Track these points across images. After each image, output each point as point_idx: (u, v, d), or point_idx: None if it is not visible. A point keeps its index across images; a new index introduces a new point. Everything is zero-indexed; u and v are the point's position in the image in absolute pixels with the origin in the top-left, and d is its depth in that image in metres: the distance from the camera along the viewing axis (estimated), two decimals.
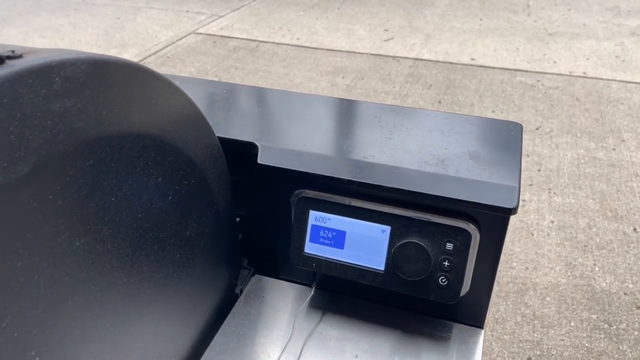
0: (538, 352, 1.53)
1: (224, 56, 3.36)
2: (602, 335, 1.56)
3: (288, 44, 3.54)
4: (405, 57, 3.30)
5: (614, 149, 2.36)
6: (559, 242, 1.89)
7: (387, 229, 0.56)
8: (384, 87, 2.91)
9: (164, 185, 0.47)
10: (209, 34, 3.73)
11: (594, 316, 1.61)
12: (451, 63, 3.21)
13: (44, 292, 0.35)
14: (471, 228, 0.54)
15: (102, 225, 0.40)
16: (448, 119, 0.66)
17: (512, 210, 0.50)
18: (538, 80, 2.96)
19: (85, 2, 4.46)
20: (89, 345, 0.40)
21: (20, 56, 0.33)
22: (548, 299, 1.69)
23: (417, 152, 0.59)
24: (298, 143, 0.61)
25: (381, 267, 0.57)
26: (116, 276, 0.42)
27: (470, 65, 3.18)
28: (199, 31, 3.79)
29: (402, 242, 0.55)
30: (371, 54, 3.36)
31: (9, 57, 0.32)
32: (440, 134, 0.62)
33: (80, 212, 0.37)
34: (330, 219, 0.58)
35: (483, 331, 0.60)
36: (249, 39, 3.63)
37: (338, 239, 0.58)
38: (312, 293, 0.63)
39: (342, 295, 0.66)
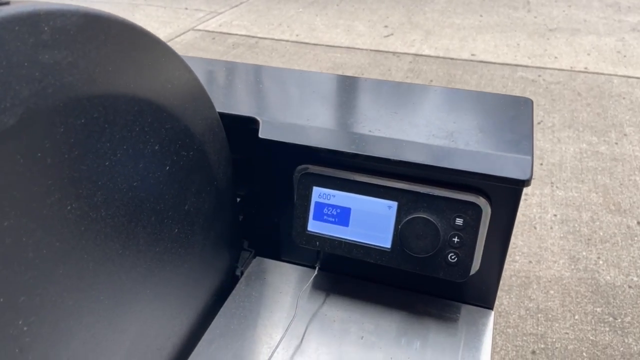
0: (542, 346, 1.51)
1: (223, 52, 3.34)
2: (607, 329, 1.54)
3: (287, 40, 3.52)
4: (405, 53, 3.28)
5: (616, 143, 2.34)
6: (562, 235, 1.87)
7: (394, 204, 0.54)
8: None
9: (161, 155, 0.44)
10: (208, 31, 3.71)
11: (598, 309, 1.59)
12: (452, 59, 3.19)
13: (32, 256, 0.33)
14: (482, 202, 0.52)
15: (95, 190, 0.37)
16: (456, 94, 0.64)
17: (526, 182, 0.48)
18: (539, 76, 2.94)
19: None
20: (82, 318, 0.38)
21: (7, 3, 0.31)
22: (552, 292, 1.67)
23: (424, 125, 0.57)
24: (301, 118, 0.59)
25: (388, 244, 0.55)
26: (111, 246, 0.40)
27: (471, 60, 3.17)
28: (197, 28, 3.77)
29: (409, 217, 0.53)
30: (371, 50, 3.34)
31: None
32: (449, 109, 0.60)
33: (72, 174, 0.35)
34: (334, 196, 0.56)
35: (493, 312, 0.58)
36: (248, 36, 3.61)
37: (343, 216, 0.56)
38: (316, 273, 0.60)
39: (346, 276, 0.63)
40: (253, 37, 3.58)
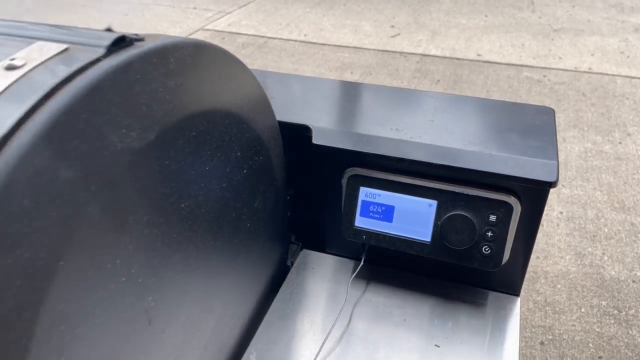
0: (550, 337, 1.58)
1: (233, 52, 3.39)
2: (612, 321, 1.61)
3: (296, 40, 3.58)
4: (412, 53, 3.34)
5: (620, 143, 2.40)
6: (568, 232, 1.94)
7: (434, 203, 0.61)
8: (392, 83, 2.96)
9: (241, 160, 0.51)
10: (217, 31, 3.77)
11: (603, 303, 1.66)
12: (458, 59, 3.25)
13: (160, 245, 0.40)
14: (513, 201, 0.59)
15: (199, 190, 0.45)
16: (484, 104, 0.71)
17: (553, 184, 0.55)
18: (544, 76, 3.01)
19: None
20: (187, 296, 0.45)
21: (142, 39, 0.38)
22: (559, 286, 1.74)
23: (459, 133, 0.64)
24: (348, 125, 0.66)
25: (428, 238, 0.62)
26: (207, 237, 0.47)
27: (477, 60, 3.23)
28: (206, 27, 3.83)
29: (449, 214, 0.60)
30: (378, 50, 3.40)
31: (136, 40, 0.37)
32: (479, 118, 0.67)
33: (186, 178, 0.42)
34: (379, 195, 0.64)
35: (519, 299, 0.65)
36: (257, 35, 3.67)
37: (387, 213, 0.63)
38: (362, 264, 0.68)
39: (387, 267, 0.71)
40: (262, 36, 3.64)
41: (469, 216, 0.59)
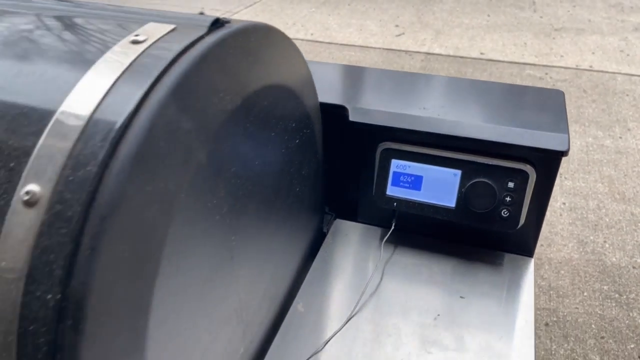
0: (554, 319, 1.65)
1: None
2: (614, 304, 1.68)
3: (303, 39, 3.65)
4: (417, 52, 3.41)
5: (620, 137, 2.48)
6: (570, 221, 2.01)
7: (458, 172, 0.69)
8: None
9: (295, 131, 0.59)
10: None
11: (605, 287, 1.73)
12: (461, 57, 3.33)
13: (241, 194, 0.47)
14: (529, 169, 0.67)
15: (267, 153, 0.53)
16: (501, 87, 0.79)
17: (564, 153, 0.63)
18: (546, 74, 3.08)
19: (98, 0, 4.57)
20: (256, 242, 0.53)
21: (229, 21, 0.46)
22: (562, 272, 1.81)
23: (479, 111, 0.72)
24: (380, 105, 0.74)
25: (452, 204, 0.70)
26: (270, 192, 0.55)
27: (480, 59, 3.30)
28: None
29: (472, 182, 0.68)
30: (384, 49, 3.47)
31: (225, 22, 0.45)
32: (496, 98, 0.75)
33: (258, 141, 0.50)
34: (409, 166, 0.71)
35: (533, 259, 0.73)
36: None
37: (416, 182, 0.71)
38: (392, 229, 0.76)
39: (413, 234, 0.79)
40: None
41: (490, 183, 0.67)
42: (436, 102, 0.75)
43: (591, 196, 2.13)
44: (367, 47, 3.50)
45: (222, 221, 0.44)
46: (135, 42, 0.38)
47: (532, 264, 0.72)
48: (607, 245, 1.92)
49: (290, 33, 3.73)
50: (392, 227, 0.75)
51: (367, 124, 0.71)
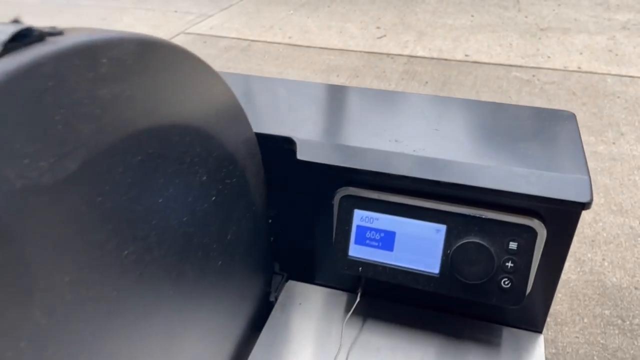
0: (553, 350, 1.51)
1: (215, 56, 3.30)
2: (617, 331, 1.55)
3: (280, 43, 3.49)
4: (399, 55, 3.27)
5: (613, 143, 2.36)
6: None
7: (442, 228, 0.52)
8: (380, 85, 2.88)
9: (209, 185, 0.42)
10: (199, 34, 3.67)
11: (606, 312, 1.60)
12: (446, 59, 3.19)
13: (92, 312, 0.30)
14: (537, 225, 0.50)
15: (149, 230, 0.35)
16: (496, 109, 0.62)
17: (586, 205, 0.46)
18: (533, 76, 2.96)
19: (70, 3, 4.36)
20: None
21: (61, 33, 0.28)
22: (560, 295, 1.67)
23: (469, 144, 0.55)
24: (338, 136, 0.56)
25: (436, 270, 0.53)
26: (163, 288, 0.37)
27: (465, 61, 3.17)
28: (188, 31, 3.72)
29: (461, 242, 0.51)
30: (365, 52, 3.33)
31: (50, 34, 0.27)
32: (491, 124, 0.58)
33: (129, 216, 0.32)
34: (377, 219, 0.54)
35: (542, 336, 0.56)
36: (240, 38, 3.57)
37: (387, 240, 0.54)
38: (358, 299, 0.58)
39: (387, 301, 0.61)
40: (245, 39, 3.54)
41: (484, 244, 0.50)
42: (413, 131, 0.58)
43: None
44: (347, 50, 3.36)
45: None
46: None
47: (541, 341, 0.56)
48: (606, 264, 1.78)
49: (267, 37, 3.56)
50: (358, 298, 0.58)
51: (319, 164, 0.53)
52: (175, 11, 4.16)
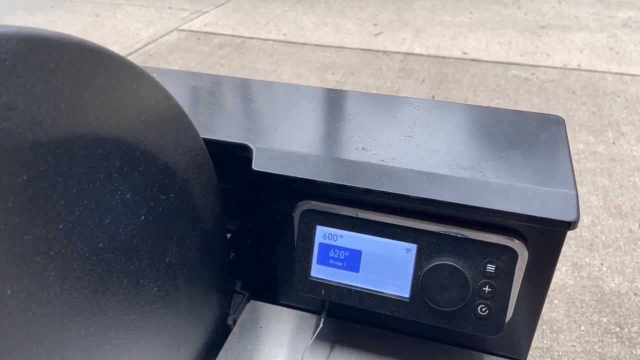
0: None
1: (209, 53, 3.25)
2: (614, 340, 1.49)
3: (275, 40, 3.43)
4: (396, 52, 3.21)
5: (613, 143, 2.30)
6: None
7: (413, 247, 0.46)
8: (376, 83, 2.83)
9: (134, 203, 0.36)
10: (193, 31, 3.61)
11: (604, 319, 1.55)
12: (443, 57, 3.13)
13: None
14: (517, 246, 0.44)
15: (46, 263, 0.29)
16: (476, 112, 0.56)
17: (572, 225, 0.41)
18: (532, 74, 2.90)
19: None
20: None
21: None
22: (556, 301, 1.62)
23: (445, 153, 0.49)
24: (300, 144, 0.50)
25: (406, 294, 0.47)
26: (70, 329, 0.32)
27: (463, 59, 3.11)
28: (182, 28, 3.67)
29: (433, 263, 0.45)
30: (361, 49, 3.27)
31: None
32: (471, 131, 0.52)
33: (13, 248, 0.27)
34: (342, 236, 0.48)
35: None
36: (234, 35, 3.52)
37: (352, 260, 0.48)
38: (322, 325, 0.52)
39: (355, 324, 0.55)
40: (239, 36, 3.49)
41: (458, 266, 0.44)
42: (383, 138, 0.52)
43: (585, 210, 1.94)
44: (343, 47, 3.30)
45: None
46: None
47: None
48: (604, 269, 1.73)
49: (261, 34, 3.50)
50: (322, 322, 0.52)
51: (275, 175, 0.47)
52: (170, 8, 4.11)
